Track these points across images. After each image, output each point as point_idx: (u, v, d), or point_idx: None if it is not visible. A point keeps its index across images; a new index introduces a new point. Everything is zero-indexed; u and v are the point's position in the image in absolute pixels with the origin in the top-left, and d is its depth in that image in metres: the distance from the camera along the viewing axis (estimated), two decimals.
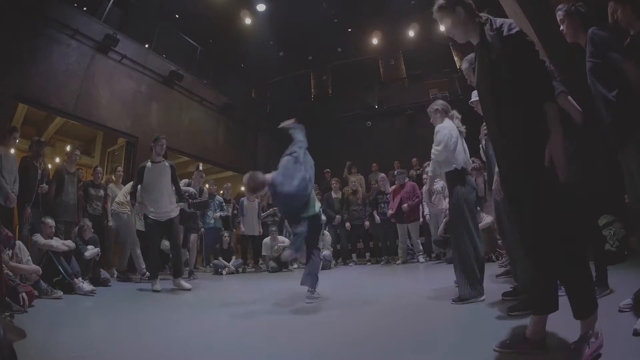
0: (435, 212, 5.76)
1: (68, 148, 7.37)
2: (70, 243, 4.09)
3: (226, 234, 6.46)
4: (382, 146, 9.45)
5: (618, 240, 3.54)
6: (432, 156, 2.81)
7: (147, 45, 7.85)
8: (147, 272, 4.81)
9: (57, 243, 3.95)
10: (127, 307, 3.42)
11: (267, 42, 10.48)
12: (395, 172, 6.89)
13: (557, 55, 3.10)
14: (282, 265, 6.21)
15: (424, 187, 4.55)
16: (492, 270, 3.74)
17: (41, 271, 3.59)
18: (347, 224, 6.76)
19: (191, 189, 5.58)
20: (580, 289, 1.41)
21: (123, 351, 1.97)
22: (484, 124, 2.47)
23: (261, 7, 9.75)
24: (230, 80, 10.24)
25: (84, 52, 6.32)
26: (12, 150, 4.39)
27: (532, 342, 1.49)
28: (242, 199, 6.83)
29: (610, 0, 1.86)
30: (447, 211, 3.41)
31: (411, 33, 10.46)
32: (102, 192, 5.35)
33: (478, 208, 4.05)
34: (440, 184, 5.45)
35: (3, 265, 2.79)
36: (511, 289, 2.53)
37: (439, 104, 2.96)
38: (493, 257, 4.95)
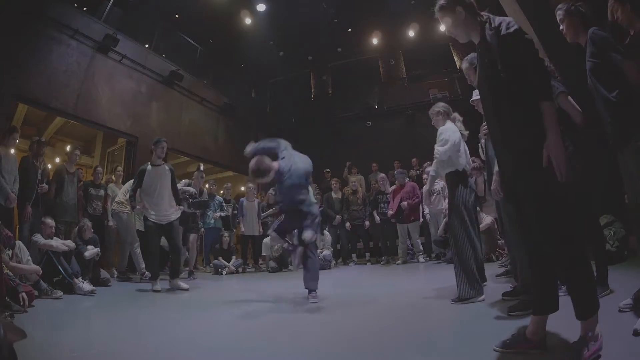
0: (435, 212, 5.76)
1: (68, 148, 7.35)
2: (70, 243, 4.10)
3: (226, 234, 6.46)
4: (382, 146, 9.43)
5: (618, 240, 3.53)
6: (436, 156, 2.80)
7: (147, 45, 7.85)
8: (147, 272, 4.83)
9: (57, 243, 3.96)
10: (127, 307, 3.42)
11: (267, 42, 10.48)
12: (395, 172, 6.89)
13: (557, 55, 3.10)
14: (282, 265, 6.22)
15: (424, 187, 4.55)
16: (492, 270, 3.75)
17: (41, 271, 3.59)
18: (347, 224, 6.76)
19: (191, 189, 5.60)
20: (582, 288, 1.41)
21: (123, 351, 1.97)
22: (484, 123, 2.47)
23: (261, 7, 9.74)
24: (230, 80, 10.22)
25: (84, 52, 6.32)
26: (12, 151, 4.38)
27: (532, 342, 1.49)
28: (241, 199, 6.84)
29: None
30: (447, 211, 3.41)
31: (411, 33, 10.44)
32: (102, 192, 5.36)
33: (478, 208, 4.06)
34: (440, 185, 5.45)
35: (3, 265, 2.79)
36: (511, 289, 2.54)
37: (440, 106, 2.96)
38: (493, 257, 4.95)
